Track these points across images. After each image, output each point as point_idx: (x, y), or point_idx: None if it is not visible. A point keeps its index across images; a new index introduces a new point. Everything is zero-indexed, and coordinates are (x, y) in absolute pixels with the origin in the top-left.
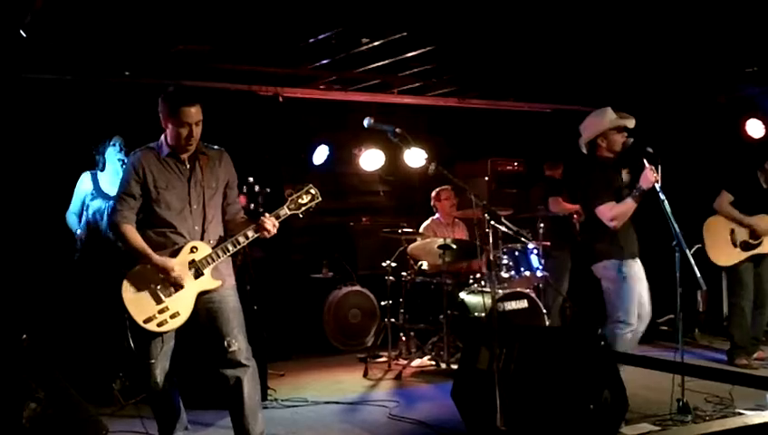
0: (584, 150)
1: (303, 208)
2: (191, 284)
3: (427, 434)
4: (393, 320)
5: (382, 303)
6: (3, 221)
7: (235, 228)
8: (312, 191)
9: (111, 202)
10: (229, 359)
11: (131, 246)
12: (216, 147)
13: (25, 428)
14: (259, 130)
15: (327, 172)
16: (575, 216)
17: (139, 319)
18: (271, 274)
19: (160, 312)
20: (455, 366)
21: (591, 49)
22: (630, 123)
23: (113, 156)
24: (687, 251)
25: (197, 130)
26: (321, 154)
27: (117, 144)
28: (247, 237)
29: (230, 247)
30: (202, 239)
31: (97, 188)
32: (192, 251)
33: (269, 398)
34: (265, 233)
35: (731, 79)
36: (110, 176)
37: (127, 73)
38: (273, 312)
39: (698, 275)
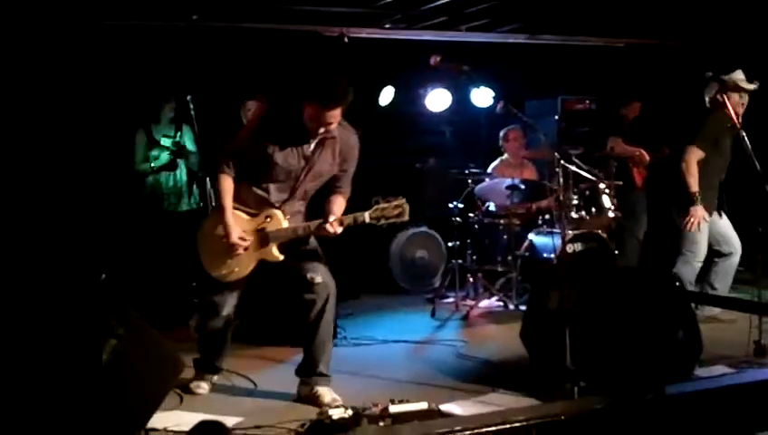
0: (707, 105)
1: (386, 222)
2: (253, 250)
3: (495, 374)
4: (461, 261)
5: (449, 244)
6: (81, 166)
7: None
8: (403, 207)
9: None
10: (314, 291)
11: (218, 195)
12: (351, 127)
13: (106, 364)
14: (324, 72)
15: (393, 113)
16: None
17: (204, 264)
18: None
19: (220, 265)
20: (523, 308)
21: None
22: (749, 87)
23: (168, 112)
24: None
25: (330, 128)
26: (386, 95)
27: (172, 100)
28: (309, 230)
29: (300, 232)
30: (281, 209)
31: (150, 139)
32: (266, 219)
33: (338, 336)
34: (322, 234)
35: None
36: (164, 127)
37: (195, 17)
38: (341, 252)
39: None
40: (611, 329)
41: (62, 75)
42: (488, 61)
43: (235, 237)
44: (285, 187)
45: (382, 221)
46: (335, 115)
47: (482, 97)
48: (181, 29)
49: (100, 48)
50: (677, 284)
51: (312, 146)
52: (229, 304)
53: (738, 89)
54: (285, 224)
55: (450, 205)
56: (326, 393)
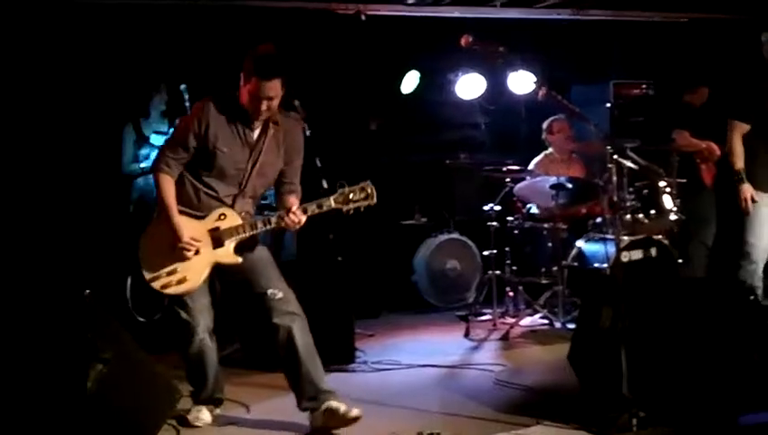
0: None
1: (352, 206)
2: (207, 253)
3: (539, 403)
4: (498, 272)
5: (485, 253)
6: (61, 167)
7: (279, 202)
8: (368, 190)
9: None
10: (277, 308)
11: (161, 198)
12: (293, 114)
13: (92, 392)
14: (339, 55)
15: (417, 102)
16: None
17: (147, 275)
18: (356, 220)
19: (168, 273)
20: (571, 326)
21: None
22: None
23: (158, 104)
24: None
25: (272, 104)
26: (410, 81)
27: (163, 91)
28: (270, 223)
29: (259, 226)
30: (232, 207)
31: (140, 135)
32: (220, 218)
33: (357, 360)
34: (283, 225)
35: None
36: (154, 122)
37: None
38: (360, 264)
39: None
40: (675, 350)
41: (35, 63)
42: (528, 40)
43: (186, 238)
44: (233, 181)
45: (350, 205)
46: (275, 88)
47: (521, 82)
48: (174, 7)
49: (80, 30)
50: (752, 297)
51: (256, 133)
52: (202, 321)
53: None
54: (240, 221)
55: (485, 207)
56: (341, 405)
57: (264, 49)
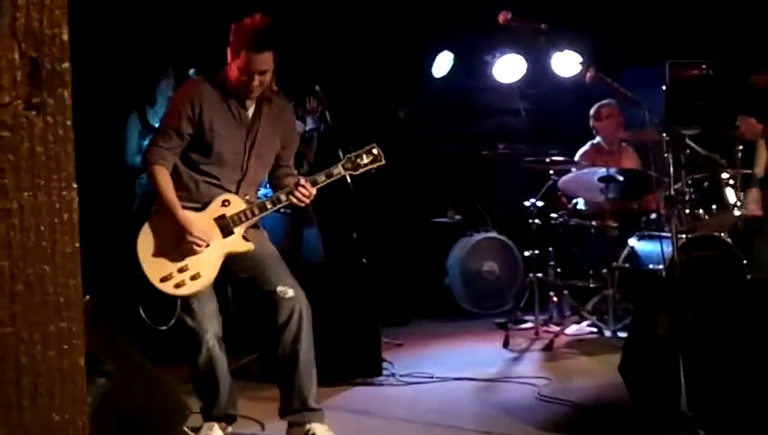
0: None
1: (362, 170)
2: (218, 243)
3: (587, 420)
4: (540, 275)
5: (526, 253)
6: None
7: (278, 189)
8: (375, 151)
9: None
10: (287, 307)
11: (158, 192)
12: (282, 95)
13: (93, 408)
14: (364, 36)
15: (450, 86)
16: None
17: (155, 277)
18: (384, 218)
19: (179, 271)
20: (623, 334)
21: None
22: None
23: (165, 89)
24: None
25: (265, 79)
26: (442, 63)
27: (171, 75)
28: (279, 201)
29: (268, 206)
30: (237, 193)
31: (145, 124)
32: (224, 205)
33: (384, 372)
34: (295, 201)
35: None
36: (161, 110)
37: None
38: (388, 266)
39: None
40: (739, 361)
41: None
42: (573, 16)
43: (196, 232)
44: (232, 166)
45: (359, 170)
46: (267, 60)
47: (566, 64)
48: None
49: (82, 9)
50: None
51: (250, 112)
52: (210, 328)
53: None
54: (245, 205)
55: (526, 203)
56: (324, 433)
57: (251, 20)
